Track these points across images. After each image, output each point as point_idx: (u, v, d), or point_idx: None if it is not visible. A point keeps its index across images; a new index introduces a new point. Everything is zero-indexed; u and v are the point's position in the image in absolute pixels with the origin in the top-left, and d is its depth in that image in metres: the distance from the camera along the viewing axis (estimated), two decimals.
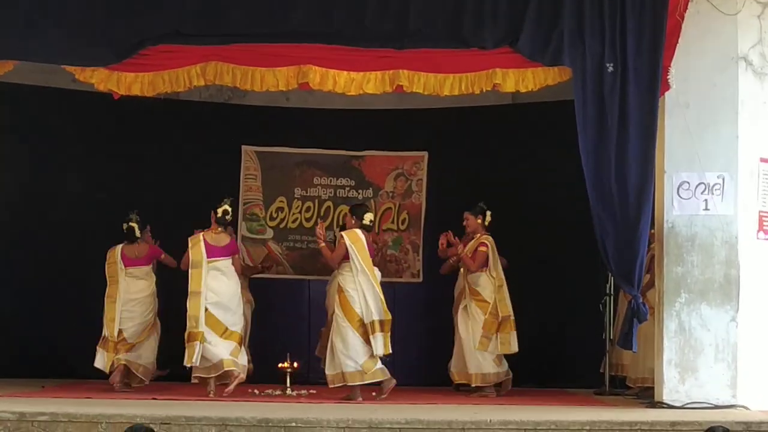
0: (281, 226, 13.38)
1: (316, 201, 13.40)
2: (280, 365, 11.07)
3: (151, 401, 9.93)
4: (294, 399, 10.51)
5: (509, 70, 9.71)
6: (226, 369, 10.57)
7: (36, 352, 12.26)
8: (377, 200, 13.38)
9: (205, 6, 9.76)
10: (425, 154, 13.34)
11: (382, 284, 12.96)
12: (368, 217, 10.73)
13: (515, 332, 11.09)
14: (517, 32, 9.56)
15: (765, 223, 9.71)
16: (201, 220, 12.43)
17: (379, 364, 10.37)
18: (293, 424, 8.29)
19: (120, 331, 11.25)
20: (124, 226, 11.46)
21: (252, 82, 9.83)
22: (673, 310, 9.59)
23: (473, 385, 11.15)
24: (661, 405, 9.53)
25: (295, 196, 13.41)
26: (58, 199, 12.60)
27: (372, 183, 13.41)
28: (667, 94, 9.58)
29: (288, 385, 10.94)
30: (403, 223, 13.34)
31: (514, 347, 11.09)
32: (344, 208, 13.29)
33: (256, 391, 10.85)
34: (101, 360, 11.22)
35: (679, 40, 9.52)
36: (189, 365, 10.62)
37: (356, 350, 10.32)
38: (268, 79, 9.82)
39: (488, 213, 11.37)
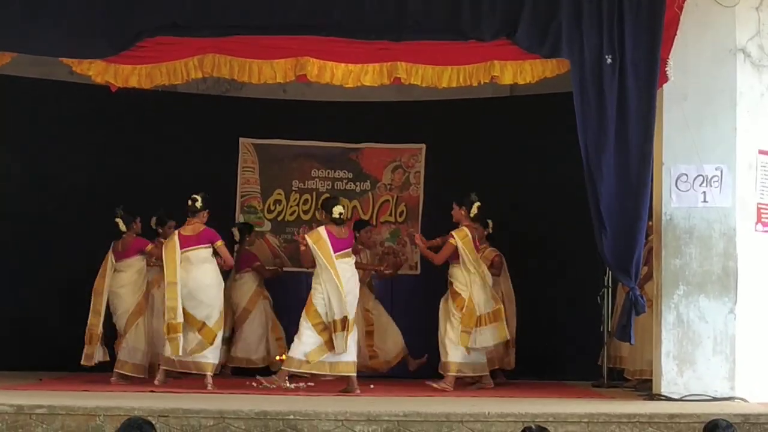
0: (279, 218, 13.39)
1: (314, 193, 13.40)
2: (277, 357, 11.08)
3: (149, 394, 9.93)
4: (292, 392, 10.49)
5: (507, 62, 9.69)
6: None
7: (33, 344, 12.25)
8: (375, 192, 13.39)
9: None
10: (423, 146, 13.35)
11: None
12: (337, 210, 10.65)
13: (497, 324, 10.91)
14: (515, 24, 9.55)
15: (763, 215, 9.71)
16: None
17: (330, 357, 10.40)
18: (291, 417, 8.27)
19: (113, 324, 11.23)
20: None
21: (249, 74, 9.82)
22: (671, 302, 9.59)
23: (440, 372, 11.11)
24: (659, 397, 9.53)
25: (293, 188, 13.42)
26: (55, 192, 12.58)
27: (370, 175, 13.42)
28: (665, 86, 9.57)
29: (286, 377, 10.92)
30: (400, 216, 13.34)
31: (489, 341, 10.93)
32: (342, 201, 13.33)
33: (254, 384, 10.83)
34: (97, 354, 11.22)
35: (678, 32, 9.51)
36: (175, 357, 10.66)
37: (306, 341, 10.42)
38: (266, 71, 9.80)
39: (475, 204, 11.08)
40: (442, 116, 13.04)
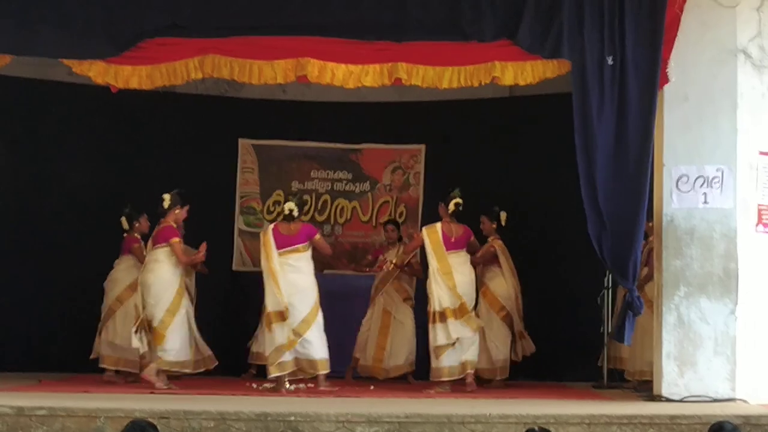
0: (278, 219, 13.32)
1: (314, 194, 13.39)
2: None
3: (149, 395, 9.92)
4: (292, 393, 10.49)
5: (508, 62, 9.68)
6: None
7: (32, 345, 12.24)
8: (374, 193, 13.40)
9: None
10: (422, 147, 13.35)
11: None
12: (287, 207, 10.78)
13: (445, 324, 10.81)
14: (516, 25, 9.55)
15: (764, 216, 9.70)
16: (197, 213, 12.45)
17: (285, 357, 10.46)
18: (292, 418, 8.27)
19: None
20: None
21: (250, 75, 9.80)
22: (672, 303, 9.58)
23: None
24: (660, 398, 9.51)
25: (292, 189, 13.37)
26: (55, 192, 12.56)
27: (369, 176, 13.41)
28: (666, 87, 9.56)
29: (286, 378, 10.91)
30: (400, 216, 13.33)
31: (442, 339, 10.80)
32: (342, 202, 13.34)
33: (254, 385, 10.83)
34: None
35: (679, 32, 9.50)
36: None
37: (266, 339, 10.68)
38: (266, 72, 9.79)
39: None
40: (441, 117, 13.03)
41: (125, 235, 11.68)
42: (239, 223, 13.19)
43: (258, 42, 9.76)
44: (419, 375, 11.81)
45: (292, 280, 10.60)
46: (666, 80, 9.51)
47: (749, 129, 9.65)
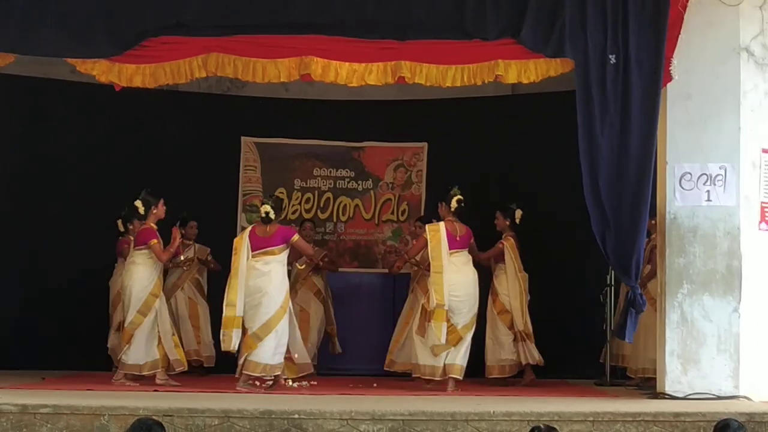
0: (281, 217, 13.33)
1: (316, 192, 13.41)
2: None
3: (153, 393, 9.92)
4: (295, 390, 10.50)
5: (511, 61, 9.70)
6: None
7: (35, 343, 12.24)
8: (377, 191, 13.40)
9: None
10: (425, 145, 13.36)
11: (382, 275, 13.19)
12: (263, 210, 10.70)
13: (440, 323, 10.57)
14: (519, 23, 9.55)
15: (767, 214, 9.70)
16: (200, 211, 12.49)
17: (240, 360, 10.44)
18: (296, 416, 8.26)
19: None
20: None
21: (254, 73, 9.82)
22: (675, 301, 9.59)
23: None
24: (663, 396, 9.53)
25: (295, 187, 13.41)
26: (56, 191, 12.57)
27: (372, 174, 13.42)
28: (669, 85, 9.56)
29: (287, 376, 10.92)
30: (402, 214, 13.35)
31: (433, 340, 10.63)
32: (344, 200, 13.35)
33: (257, 383, 10.83)
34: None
35: (681, 31, 9.50)
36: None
37: (222, 340, 10.60)
38: (270, 70, 9.80)
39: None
40: (444, 115, 13.03)
41: (120, 238, 11.69)
42: (242, 220, 13.19)
43: (262, 41, 9.77)
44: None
45: (255, 285, 10.46)
46: (669, 78, 9.52)
47: (752, 127, 9.66)
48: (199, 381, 11.12)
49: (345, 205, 13.39)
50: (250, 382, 10.44)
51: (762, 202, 9.69)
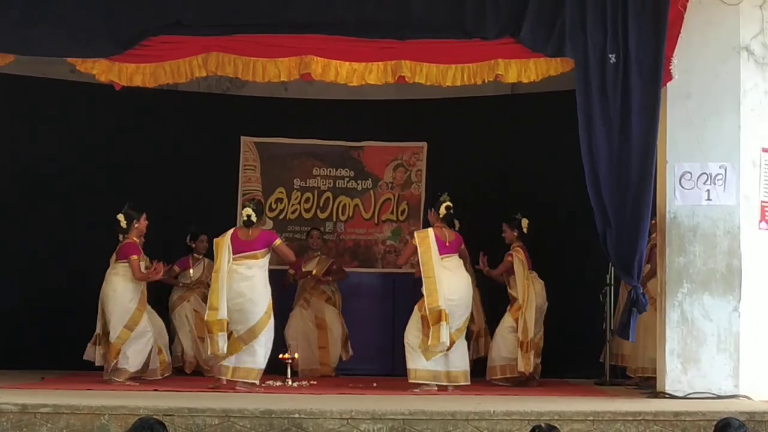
0: (280, 217, 13.38)
1: (316, 192, 13.41)
2: (280, 356, 11.07)
3: (154, 393, 9.92)
4: (296, 390, 10.50)
5: (511, 60, 9.70)
6: None
7: (34, 342, 12.23)
8: (376, 191, 13.40)
9: None
10: (424, 144, 13.36)
11: (382, 275, 13.19)
12: (245, 213, 10.72)
13: (441, 325, 10.41)
14: (519, 23, 9.55)
15: (767, 213, 9.71)
16: (200, 211, 12.49)
17: (227, 362, 10.43)
18: (296, 415, 8.25)
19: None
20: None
21: (254, 72, 9.83)
22: (675, 300, 9.59)
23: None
24: (663, 395, 9.53)
25: (295, 186, 13.42)
26: (56, 191, 12.55)
27: (371, 174, 13.42)
28: (669, 84, 9.56)
29: (288, 376, 10.93)
30: (402, 214, 13.35)
31: (433, 344, 10.47)
32: (344, 199, 13.35)
33: (257, 383, 10.83)
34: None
35: (682, 30, 9.50)
36: None
37: (207, 343, 10.65)
38: (270, 69, 9.81)
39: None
40: (443, 114, 13.03)
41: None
42: (241, 220, 13.16)
43: (262, 40, 9.77)
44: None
45: (238, 289, 10.45)
46: (669, 78, 9.52)
47: (752, 126, 9.66)
48: (199, 380, 11.12)
49: (344, 204, 13.39)
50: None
51: (762, 201, 9.69)
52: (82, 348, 11.50)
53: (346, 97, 12.59)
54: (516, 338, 11.27)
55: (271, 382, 10.81)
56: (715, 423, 6.55)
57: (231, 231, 10.69)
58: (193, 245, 12.49)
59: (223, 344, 10.34)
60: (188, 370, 12.26)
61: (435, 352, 10.48)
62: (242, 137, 13.34)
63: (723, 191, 9.58)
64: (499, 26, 9.61)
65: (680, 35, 9.50)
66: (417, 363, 10.58)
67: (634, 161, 9.49)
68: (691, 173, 9.62)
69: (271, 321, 10.55)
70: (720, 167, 9.60)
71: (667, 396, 9.49)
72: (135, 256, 10.89)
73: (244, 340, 10.41)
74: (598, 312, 11.75)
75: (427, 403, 8.79)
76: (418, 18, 9.64)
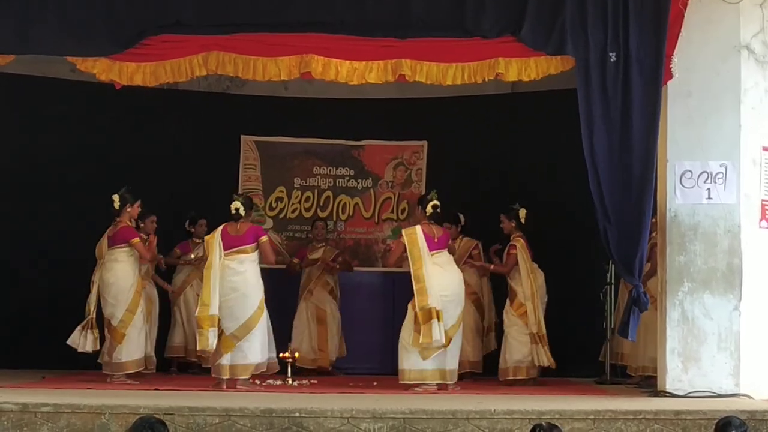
0: (281, 216, 13.39)
1: (316, 191, 13.40)
2: (281, 355, 11.06)
3: (154, 392, 9.92)
4: (296, 389, 10.50)
5: (512, 59, 9.70)
6: None
7: (34, 342, 12.23)
8: (377, 190, 13.40)
9: None
10: (425, 143, 13.35)
11: (382, 274, 13.18)
12: (233, 207, 10.71)
13: (432, 323, 10.33)
14: (520, 21, 9.56)
15: (767, 212, 9.70)
16: (200, 210, 12.48)
17: (223, 360, 10.40)
18: (297, 414, 8.26)
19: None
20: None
21: (254, 71, 9.84)
22: (675, 299, 9.59)
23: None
24: (664, 394, 9.53)
25: (295, 185, 13.41)
26: (56, 190, 12.55)
27: (371, 172, 13.42)
28: (669, 83, 9.57)
29: (289, 375, 10.93)
30: (402, 213, 13.34)
31: (426, 342, 10.41)
32: (344, 198, 13.35)
33: (257, 382, 10.83)
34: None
35: (682, 28, 9.51)
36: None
37: (198, 339, 10.64)
38: (270, 68, 9.82)
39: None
40: (443, 113, 13.02)
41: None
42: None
43: (262, 39, 9.78)
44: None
45: (231, 284, 10.46)
46: (670, 76, 9.52)
47: (753, 125, 9.66)
48: (199, 379, 11.12)
49: (345, 203, 13.39)
50: (251, 380, 10.44)
51: (762, 200, 9.69)
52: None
53: (347, 96, 12.58)
54: (527, 338, 11.22)
55: (271, 381, 10.81)
56: (715, 422, 6.54)
57: (221, 227, 10.70)
58: (192, 229, 12.48)
59: (213, 340, 10.35)
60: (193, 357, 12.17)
61: (432, 350, 10.44)
62: (242, 136, 13.34)
63: (723, 190, 9.58)
64: (499, 25, 9.62)
65: (681, 34, 9.51)
66: (408, 363, 10.49)
67: (634, 160, 9.48)
68: (691, 172, 9.62)
69: (265, 315, 10.56)
70: (720, 166, 9.60)
71: (667, 395, 9.49)
72: (136, 239, 10.91)
73: (236, 336, 10.41)
74: (598, 311, 11.75)
75: (428, 402, 8.79)
76: (419, 17, 9.64)
